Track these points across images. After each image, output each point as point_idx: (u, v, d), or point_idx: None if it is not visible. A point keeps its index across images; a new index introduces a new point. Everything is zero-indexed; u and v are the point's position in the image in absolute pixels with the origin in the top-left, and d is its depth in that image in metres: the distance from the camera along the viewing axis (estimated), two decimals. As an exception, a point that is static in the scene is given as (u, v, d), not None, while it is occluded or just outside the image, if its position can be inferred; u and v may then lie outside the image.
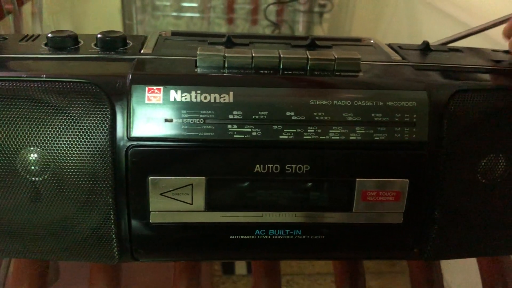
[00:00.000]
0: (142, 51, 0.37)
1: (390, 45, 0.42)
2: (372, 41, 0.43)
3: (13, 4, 1.54)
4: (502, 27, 0.40)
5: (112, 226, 0.34)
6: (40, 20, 1.23)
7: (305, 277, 1.46)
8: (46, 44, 0.37)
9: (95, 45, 0.38)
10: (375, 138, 0.34)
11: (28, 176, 0.34)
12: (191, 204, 0.34)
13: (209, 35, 0.43)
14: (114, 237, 0.35)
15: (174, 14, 1.38)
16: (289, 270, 1.36)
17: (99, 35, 0.37)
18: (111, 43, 0.37)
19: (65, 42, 0.37)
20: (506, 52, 0.42)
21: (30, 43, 0.38)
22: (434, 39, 0.45)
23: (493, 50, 0.43)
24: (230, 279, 1.45)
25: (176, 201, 0.34)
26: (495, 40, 0.44)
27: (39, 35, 0.40)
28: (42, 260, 0.47)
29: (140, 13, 1.35)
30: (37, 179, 0.34)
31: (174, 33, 0.43)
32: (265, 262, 0.47)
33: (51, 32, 0.37)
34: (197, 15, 1.38)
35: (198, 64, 0.35)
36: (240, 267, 1.49)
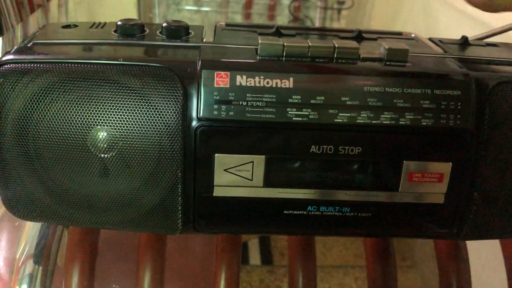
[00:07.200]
0: (204, 40, 0.40)
1: (431, 39, 0.45)
2: (413, 35, 0.46)
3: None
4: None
5: (179, 198, 0.37)
6: (66, 11, 1.27)
7: (318, 269, 1.48)
8: (115, 31, 0.40)
9: (161, 33, 0.41)
10: (423, 123, 0.37)
11: (97, 153, 0.37)
12: (251, 180, 0.37)
13: (259, 26, 0.46)
14: (180, 208, 0.38)
15: (194, 8, 1.40)
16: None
17: (164, 24, 0.40)
18: (176, 31, 0.40)
19: (134, 30, 0.40)
20: None
21: (100, 30, 0.41)
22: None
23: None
24: (244, 269, 1.47)
25: (238, 177, 0.37)
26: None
27: (105, 23, 0.43)
28: (94, 233, 0.50)
29: (157, 7, 1.38)
30: (105, 155, 0.37)
31: (228, 24, 0.46)
32: (301, 245, 0.50)
33: (120, 21, 0.41)
34: (214, 9, 1.40)
35: (259, 52, 0.38)
36: (254, 258, 1.51)
